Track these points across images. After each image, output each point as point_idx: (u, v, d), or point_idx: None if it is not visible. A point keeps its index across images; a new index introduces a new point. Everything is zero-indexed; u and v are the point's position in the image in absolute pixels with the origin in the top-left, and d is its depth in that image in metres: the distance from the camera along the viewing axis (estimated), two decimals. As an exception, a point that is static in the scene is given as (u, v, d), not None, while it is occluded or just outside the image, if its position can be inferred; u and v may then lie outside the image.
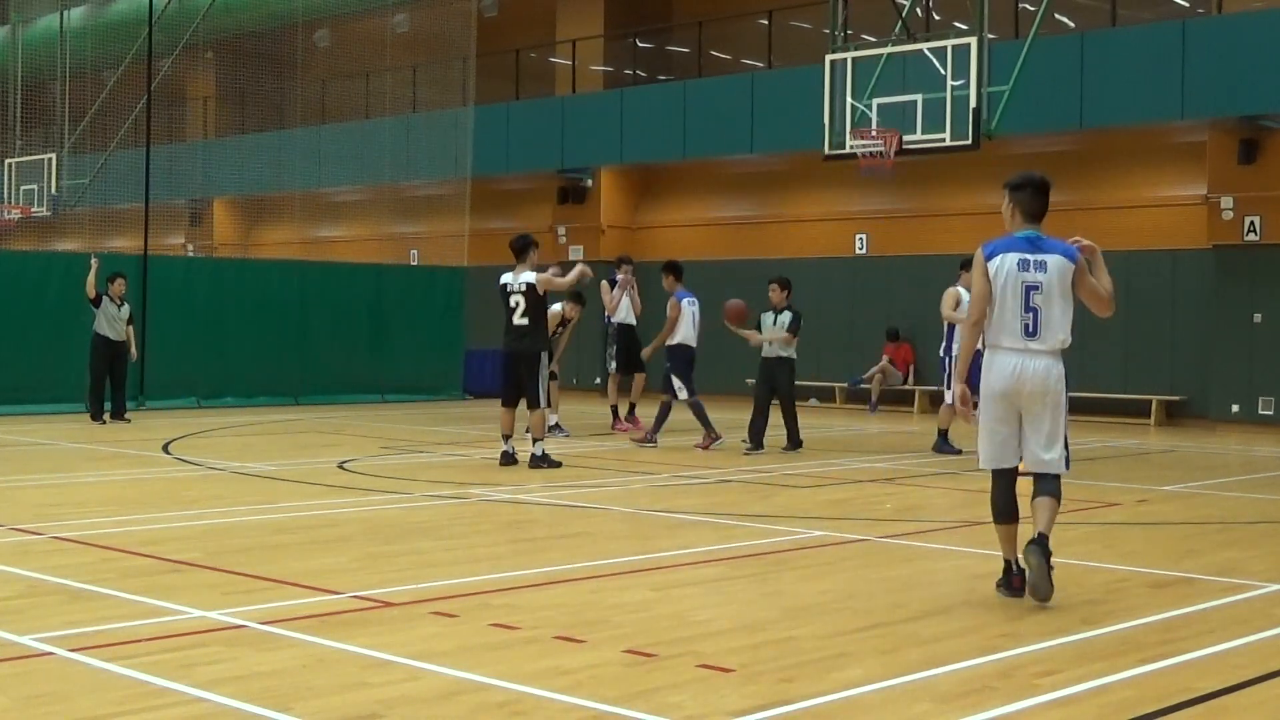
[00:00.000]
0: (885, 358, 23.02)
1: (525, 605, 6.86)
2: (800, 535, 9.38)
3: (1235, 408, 19.78)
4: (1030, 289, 7.04)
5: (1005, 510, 7.21)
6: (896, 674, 5.61)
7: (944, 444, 15.21)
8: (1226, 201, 19.76)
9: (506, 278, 13.42)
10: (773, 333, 15.20)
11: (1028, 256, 7.08)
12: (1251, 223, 19.53)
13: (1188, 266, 20.17)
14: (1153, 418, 20.35)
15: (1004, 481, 7.24)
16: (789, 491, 11.98)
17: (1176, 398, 20.61)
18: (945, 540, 9.30)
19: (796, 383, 15.81)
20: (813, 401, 24.17)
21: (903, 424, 20.29)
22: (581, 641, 6.08)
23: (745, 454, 14.96)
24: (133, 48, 26.40)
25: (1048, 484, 7.17)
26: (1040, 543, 6.99)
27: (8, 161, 28.93)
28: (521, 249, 13.43)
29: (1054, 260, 7.08)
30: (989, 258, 7.14)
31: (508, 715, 4.99)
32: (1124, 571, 8.09)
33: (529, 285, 13.24)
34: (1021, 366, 7.07)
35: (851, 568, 8.25)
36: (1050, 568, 7.00)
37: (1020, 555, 7.16)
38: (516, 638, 6.15)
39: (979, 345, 7.33)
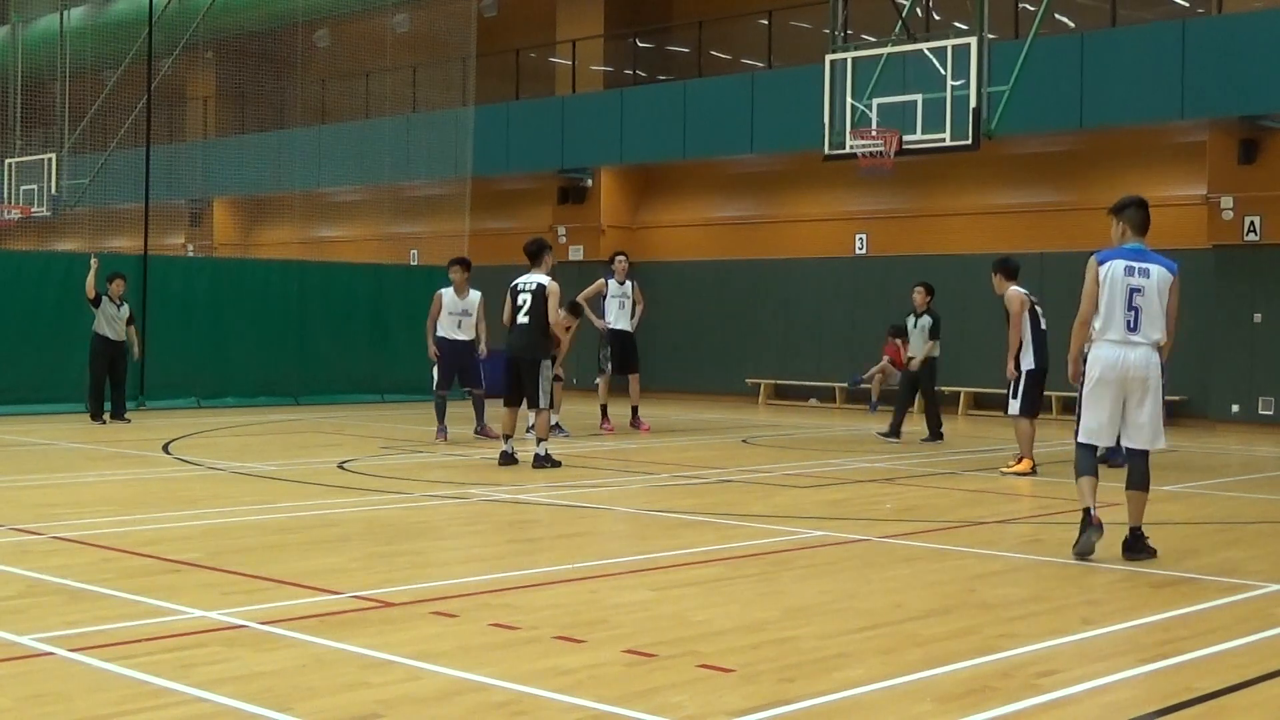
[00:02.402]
0: (885, 358, 23.00)
1: (525, 605, 6.86)
2: (800, 535, 9.37)
3: (1235, 408, 19.77)
4: (1134, 291, 8.31)
5: (1089, 470, 8.46)
6: (896, 674, 5.61)
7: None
8: (1226, 201, 19.75)
9: (519, 280, 13.60)
10: (914, 335, 16.68)
11: (1134, 264, 8.37)
12: (1251, 223, 19.52)
13: (1187, 266, 19.90)
14: (1153, 418, 20.32)
15: (1091, 454, 8.49)
16: (789, 491, 11.98)
17: (1176, 398, 20.58)
18: (945, 540, 9.30)
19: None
20: (812, 401, 24.17)
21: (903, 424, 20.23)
22: (581, 641, 6.07)
23: (881, 436, 16.74)
24: (133, 48, 26.39)
25: (1141, 471, 8.38)
26: (1135, 539, 8.38)
27: (8, 161, 28.89)
28: (535, 252, 13.60)
29: (1156, 269, 8.38)
30: (1101, 263, 8.37)
31: (508, 715, 4.99)
32: (1124, 571, 8.09)
33: (539, 285, 13.33)
34: (1124, 356, 8.29)
35: (851, 568, 8.24)
36: (1146, 548, 8.38)
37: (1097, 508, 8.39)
38: (516, 638, 6.15)
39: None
